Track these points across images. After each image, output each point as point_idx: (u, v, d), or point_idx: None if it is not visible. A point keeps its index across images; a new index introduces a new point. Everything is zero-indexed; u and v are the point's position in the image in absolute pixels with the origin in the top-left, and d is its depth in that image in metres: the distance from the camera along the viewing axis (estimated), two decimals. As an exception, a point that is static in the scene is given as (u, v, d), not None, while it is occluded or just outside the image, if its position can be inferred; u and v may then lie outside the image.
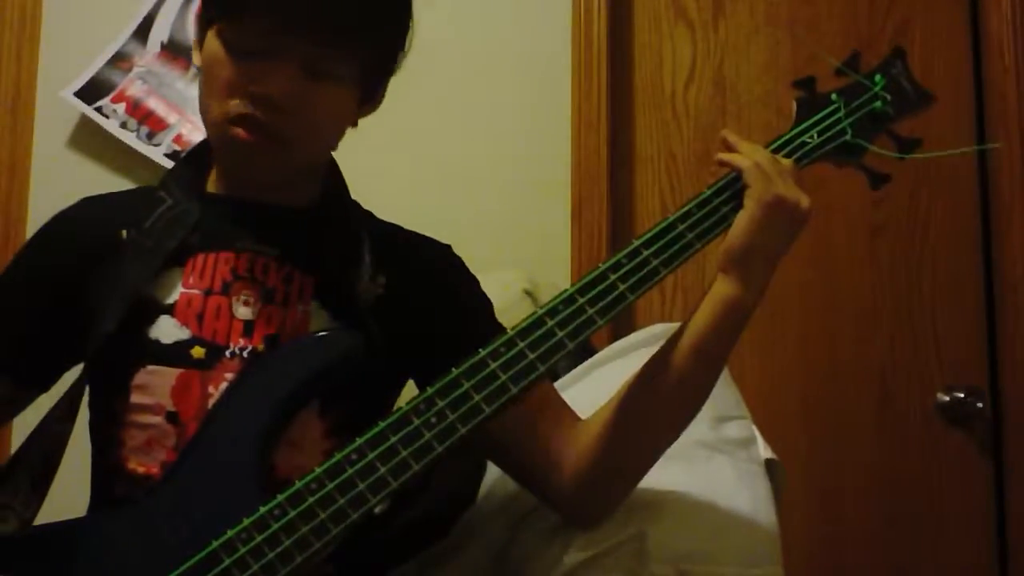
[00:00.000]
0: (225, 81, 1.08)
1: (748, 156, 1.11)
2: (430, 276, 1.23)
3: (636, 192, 2.15)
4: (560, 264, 2.03)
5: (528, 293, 1.74)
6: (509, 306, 1.63)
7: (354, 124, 1.20)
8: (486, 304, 1.26)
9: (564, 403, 1.20)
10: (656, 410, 1.11)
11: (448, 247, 1.28)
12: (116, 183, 1.96)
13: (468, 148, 2.10)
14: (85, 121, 2.03)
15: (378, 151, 2.09)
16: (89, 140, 2.04)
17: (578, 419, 1.18)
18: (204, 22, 1.12)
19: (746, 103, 2.14)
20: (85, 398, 1.14)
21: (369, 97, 1.19)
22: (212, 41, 1.10)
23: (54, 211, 1.24)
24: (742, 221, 1.07)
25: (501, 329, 1.20)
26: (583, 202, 2.06)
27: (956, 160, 2.10)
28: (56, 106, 2.03)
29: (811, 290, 2.09)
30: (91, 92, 2.02)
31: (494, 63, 2.12)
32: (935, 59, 2.13)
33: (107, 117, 2.01)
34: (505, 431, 1.12)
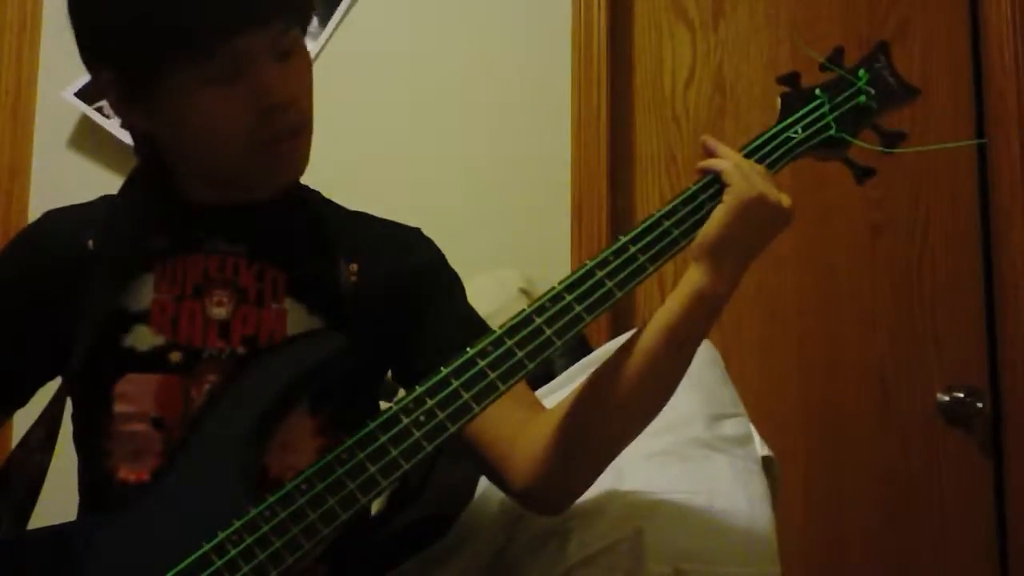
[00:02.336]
0: (240, 112, 1.04)
1: (727, 158, 1.11)
2: (402, 260, 1.22)
3: (636, 192, 2.15)
4: (560, 264, 2.03)
5: (524, 291, 1.74)
6: (505, 304, 1.63)
7: None
8: (457, 283, 1.26)
9: (526, 388, 1.19)
10: (623, 395, 1.08)
11: (418, 230, 1.27)
12: (116, 183, 1.95)
13: (468, 148, 2.10)
14: (85, 121, 2.04)
15: (378, 151, 2.09)
16: (89, 140, 2.05)
17: (542, 407, 1.17)
18: (150, 76, 1.04)
19: (746, 103, 2.14)
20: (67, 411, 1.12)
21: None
22: (189, 91, 1.03)
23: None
24: (719, 213, 1.07)
25: (470, 307, 1.21)
26: (583, 202, 2.06)
27: (956, 160, 2.10)
28: (56, 106, 2.04)
29: (811, 290, 2.09)
30: (91, 92, 2.02)
31: (494, 63, 2.12)
32: (935, 58, 2.12)
33: (107, 117, 2.02)
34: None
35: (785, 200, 1.09)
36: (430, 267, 1.24)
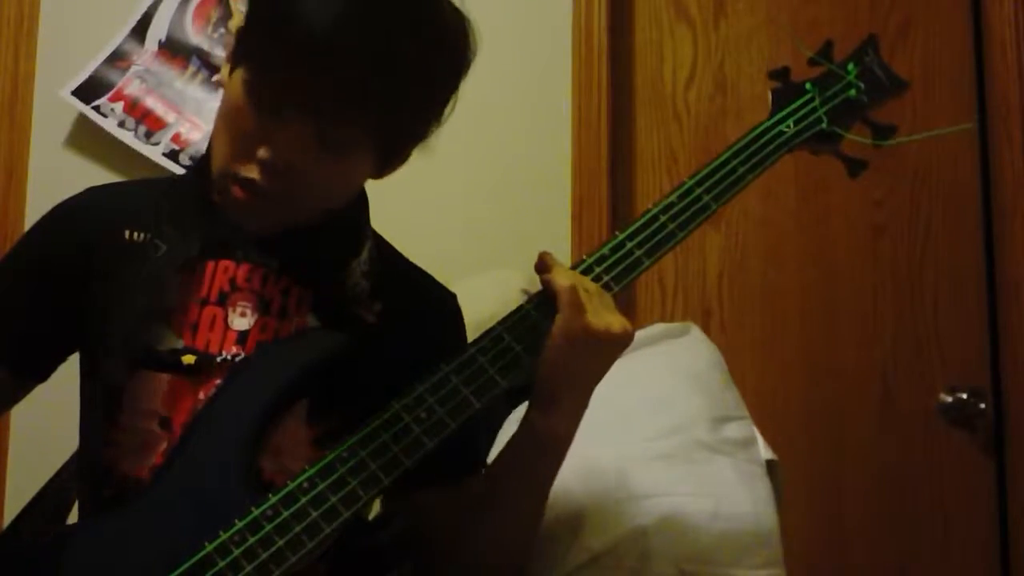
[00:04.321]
0: (237, 133, 1.05)
1: (564, 278, 1.06)
2: (425, 320, 1.20)
3: (636, 192, 2.14)
4: (560, 264, 2.02)
5: (526, 292, 1.73)
6: (507, 305, 1.62)
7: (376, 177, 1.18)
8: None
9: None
10: (483, 523, 1.12)
11: (453, 296, 1.26)
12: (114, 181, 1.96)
13: (468, 148, 2.09)
14: (83, 120, 2.03)
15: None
16: (87, 139, 2.04)
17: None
18: (237, 56, 1.07)
19: (747, 102, 2.13)
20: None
21: (392, 160, 1.16)
22: (237, 82, 1.05)
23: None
24: (547, 355, 1.04)
25: None
26: (583, 202, 2.06)
27: (957, 160, 2.10)
28: (54, 105, 2.03)
29: (812, 291, 2.09)
30: (89, 91, 2.02)
31: (494, 63, 2.11)
32: (937, 59, 2.12)
33: (105, 116, 2.01)
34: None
35: (615, 324, 1.04)
36: (443, 348, 1.22)
